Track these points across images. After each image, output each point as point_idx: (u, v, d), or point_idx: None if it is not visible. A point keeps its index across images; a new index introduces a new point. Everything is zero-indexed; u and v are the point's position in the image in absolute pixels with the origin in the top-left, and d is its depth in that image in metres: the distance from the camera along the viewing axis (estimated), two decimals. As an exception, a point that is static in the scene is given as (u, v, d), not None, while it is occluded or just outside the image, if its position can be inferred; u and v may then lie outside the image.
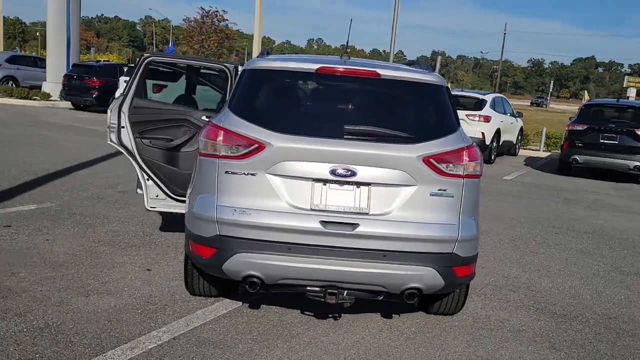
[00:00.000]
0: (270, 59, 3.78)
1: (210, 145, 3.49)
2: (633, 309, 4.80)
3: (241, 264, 3.39)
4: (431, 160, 3.39)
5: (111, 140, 5.20)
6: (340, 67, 3.60)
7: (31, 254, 4.87)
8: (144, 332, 3.62)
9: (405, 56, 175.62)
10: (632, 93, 61.93)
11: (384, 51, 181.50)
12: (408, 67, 3.88)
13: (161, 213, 5.49)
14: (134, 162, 5.18)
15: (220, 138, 3.45)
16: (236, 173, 3.41)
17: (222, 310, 4.03)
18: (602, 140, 12.56)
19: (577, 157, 12.78)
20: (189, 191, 3.82)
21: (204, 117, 5.15)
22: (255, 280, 3.43)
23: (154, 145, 5.15)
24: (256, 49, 20.78)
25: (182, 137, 5.16)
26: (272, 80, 3.71)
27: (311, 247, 3.35)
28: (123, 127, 5.05)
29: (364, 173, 3.35)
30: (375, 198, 3.38)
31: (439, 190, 3.41)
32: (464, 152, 3.47)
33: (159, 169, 5.14)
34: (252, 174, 3.40)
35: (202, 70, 5.85)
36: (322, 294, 3.51)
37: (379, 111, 3.66)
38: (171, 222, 5.95)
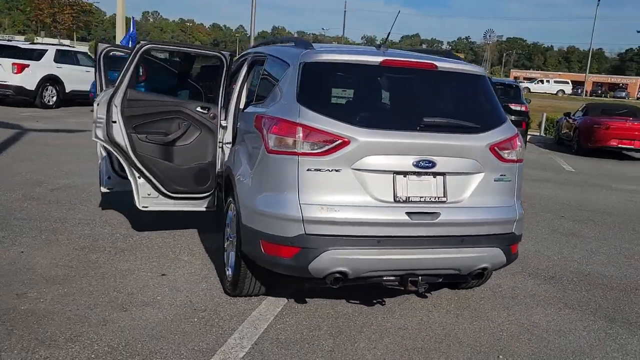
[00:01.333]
0: (325, 51, 3.71)
1: (288, 142, 3.38)
2: (592, 265, 5.54)
3: (331, 261, 3.36)
4: (495, 148, 3.63)
5: (97, 137, 4.71)
6: (402, 59, 3.67)
7: (19, 270, 4.30)
8: (220, 341, 3.45)
9: (246, 31, 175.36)
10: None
11: (225, 25, 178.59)
12: (455, 59, 4.04)
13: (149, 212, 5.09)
14: (123, 160, 4.74)
15: (300, 134, 3.35)
16: (320, 170, 3.35)
17: (275, 309, 3.95)
18: None
19: None
20: (244, 190, 3.66)
21: (198, 109, 4.87)
22: (339, 275, 3.43)
23: (150, 140, 4.76)
24: (120, 29, 19.17)
25: (178, 130, 4.83)
26: (337, 73, 3.66)
27: (398, 239, 3.44)
28: (115, 121, 4.59)
29: (441, 163, 3.50)
30: (450, 187, 3.54)
31: (500, 175, 3.67)
32: (517, 138, 3.76)
33: (155, 165, 4.77)
34: (336, 170, 3.36)
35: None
36: (397, 282, 3.63)
37: (444, 102, 3.80)
38: (144, 221, 5.59)
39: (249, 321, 3.73)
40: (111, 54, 5.53)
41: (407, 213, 3.44)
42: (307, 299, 4.14)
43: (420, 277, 3.61)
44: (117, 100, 4.57)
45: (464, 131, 3.61)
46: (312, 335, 3.62)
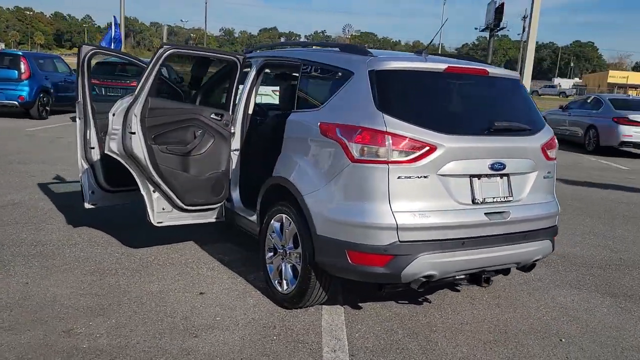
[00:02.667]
0: (388, 58, 3.74)
1: (376, 151, 3.37)
2: (563, 247, 6.14)
3: (422, 266, 3.43)
4: (544, 147, 3.92)
5: (110, 150, 4.29)
6: (462, 66, 3.82)
7: (43, 304, 3.82)
8: (317, 356, 3.38)
9: (94, 21, 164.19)
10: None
11: (69, 15, 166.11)
12: (488, 65, 4.23)
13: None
14: (137, 173, 4.36)
15: (390, 143, 3.36)
16: (410, 177, 3.40)
17: (338, 317, 3.92)
18: None
19: None
20: (318, 200, 3.59)
21: (212, 115, 4.63)
22: (426, 279, 3.52)
23: (170, 151, 4.42)
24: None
25: (195, 139, 4.54)
26: (407, 81, 3.69)
27: (479, 239, 3.59)
28: (133, 132, 4.21)
29: (509, 164, 3.71)
30: (514, 186, 3.77)
31: (547, 173, 3.98)
32: (555, 138, 4.10)
33: (174, 177, 4.45)
34: (424, 177, 3.43)
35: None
36: (468, 280, 3.82)
37: (499, 106, 3.99)
38: (127, 237, 5.24)
39: (327, 333, 3.68)
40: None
41: (486, 214, 3.61)
42: (360, 304, 4.16)
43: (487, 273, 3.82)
44: (137, 109, 4.19)
45: (523, 133, 3.85)
46: (394, 339, 3.66)
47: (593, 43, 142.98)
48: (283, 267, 4.03)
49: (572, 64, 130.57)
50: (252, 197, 4.59)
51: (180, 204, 4.54)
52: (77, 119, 5.05)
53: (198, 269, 4.66)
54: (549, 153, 3.97)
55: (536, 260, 3.98)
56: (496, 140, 3.68)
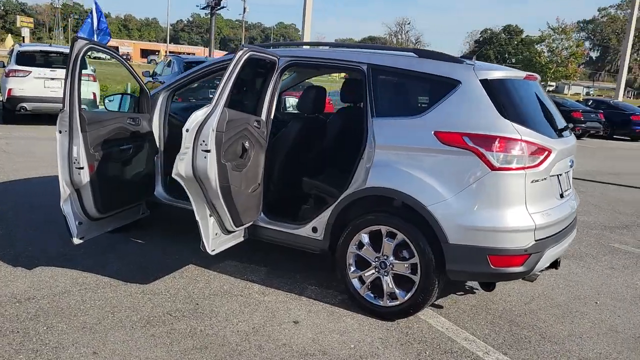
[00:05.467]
0: (486, 67, 3.89)
1: (514, 159, 3.55)
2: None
3: (546, 259, 3.76)
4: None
5: (178, 174, 3.54)
6: (531, 74, 4.17)
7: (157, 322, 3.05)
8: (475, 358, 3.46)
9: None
10: (25, 33, 63.37)
11: None
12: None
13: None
14: (196, 197, 3.70)
15: (525, 150, 3.57)
16: (537, 180, 3.66)
17: (438, 318, 4.00)
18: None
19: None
20: (451, 209, 3.60)
21: (255, 124, 4.14)
22: (543, 270, 3.88)
23: (238, 167, 3.82)
24: None
25: (247, 151, 3.99)
26: (510, 89, 3.86)
27: (567, 227, 4.07)
28: (208, 150, 3.53)
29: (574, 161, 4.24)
30: (568, 180, 4.32)
31: (571, 166, 4.61)
32: None
33: (239, 197, 3.89)
34: (544, 179, 3.73)
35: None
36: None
37: (549, 107, 4.38)
38: (151, 270, 4.40)
39: (455, 337, 3.75)
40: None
41: (570, 206, 4.08)
42: (440, 304, 4.28)
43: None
44: (214, 123, 3.53)
45: (570, 132, 4.40)
46: (507, 330, 3.92)
47: (295, 25, 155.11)
48: (383, 281, 3.91)
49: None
50: (287, 207, 4.30)
51: (232, 226, 3.99)
52: (58, 132, 3.97)
53: (257, 295, 4.19)
54: None
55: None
56: (568, 140, 4.16)
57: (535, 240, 3.65)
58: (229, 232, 4.08)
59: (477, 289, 4.56)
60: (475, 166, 3.58)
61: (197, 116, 3.54)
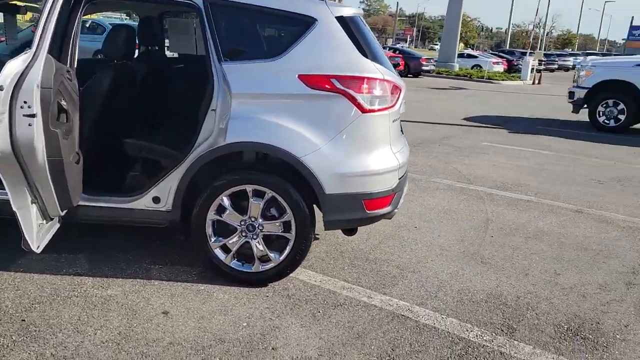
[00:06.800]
0: (339, 5, 3.65)
1: (381, 99, 3.49)
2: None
3: (402, 196, 3.89)
4: None
5: None
6: (360, 8, 4.09)
7: None
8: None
9: None
10: None
11: None
12: None
13: None
14: (12, 181, 2.73)
15: (388, 90, 3.54)
16: (395, 120, 3.72)
17: (306, 271, 3.86)
18: None
19: None
20: (333, 156, 3.38)
21: (67, 75, 3.20)
22: None
23: (67, 133, 2.85)
24: None
25: (67, 111, 3.03)
26: (358, 26, 3.68)
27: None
28: (34, 115, 2.56)
29: None
30: None
31: None
32: None
33: (71, 173, 3.00)
34: (398, 118, 3.79)
35: None
36: None
37: None
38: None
39: (333, 288, 3.65)
40: None
41: (405, 143, 4.25)
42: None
43: None
44: (38, 76, 2.55)
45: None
46: (370, 270, 3.97)
47: None
48: (252, 245, 3.52)
49: None
50: (110, 177, 3.59)
51: (58, 210, 3.09)
52: None
53: (99, 292, 3.34)
54: None
55: None
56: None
57: (398, 179, 3.71)
58: (51, 218, 3.14)
59: (317, 234, 4.50)
60: (346, 110, 3.40)
61: (12, 67, 2.51)
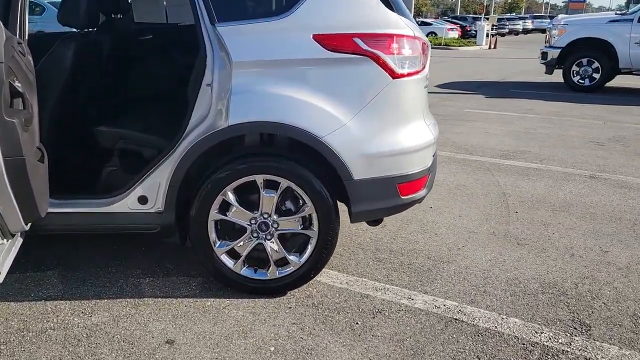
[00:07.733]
0: None
1: (412, 61, 2.85)
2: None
3: (431, 177, 3.32)
4: None
5: None
6: None
7: None
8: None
9: None
10: None
11: None
12: None
13: None
14: None
15: (419, 49, 2.91)
16: (425, 86, 3.09)
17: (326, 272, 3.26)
18: None
19: None
20: (361, 134, 2.76)
21: (18, 49, 2.46)
22: None
23: (26, 124, 2.12)
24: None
25: (24, 95, 2.31)
26: None
27: None
28: None
29: None
30: None
31: None
32: None
33: (36, 174, 2.26)
34: (427, 83, 3.17)
35: None
36: None
37: None
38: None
39: (364, 291, 3.07)
40: None
41: None
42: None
43: None
44: None
45: None
46: (399, 264, 3.41)
47: None
48: (266, 246, 2.89)
49: None
50: (81, 176, 2.91)
51: (21, 224, 2.39)
52: None
53: (82, 321, 2.65)
54: None
55: None
56: None
57: (432, 157, 3.13)
58: (12, 235, 2.42)
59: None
60: (374, 76, 2.76)
61: None
